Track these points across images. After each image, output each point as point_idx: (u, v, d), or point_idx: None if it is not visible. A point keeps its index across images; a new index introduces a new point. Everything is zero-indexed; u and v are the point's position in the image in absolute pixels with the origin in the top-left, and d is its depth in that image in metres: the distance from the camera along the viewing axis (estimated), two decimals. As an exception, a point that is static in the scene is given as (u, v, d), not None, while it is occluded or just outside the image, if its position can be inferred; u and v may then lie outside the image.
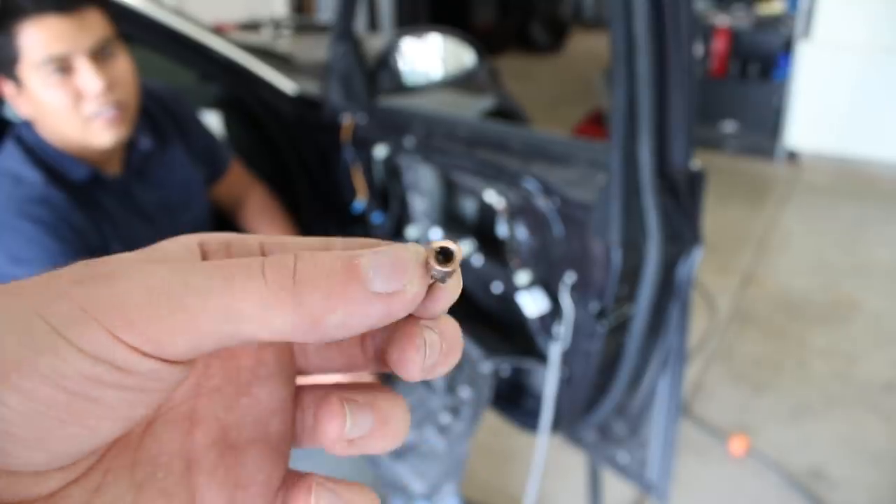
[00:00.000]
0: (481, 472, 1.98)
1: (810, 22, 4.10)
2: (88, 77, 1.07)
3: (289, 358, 0.27)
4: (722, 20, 4.50)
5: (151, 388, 0.21)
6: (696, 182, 1.10)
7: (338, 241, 0.26)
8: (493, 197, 1.26)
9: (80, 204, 1.15)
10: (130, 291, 0.20)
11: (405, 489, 1.33)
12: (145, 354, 0.20)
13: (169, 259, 0.23)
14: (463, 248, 1.35)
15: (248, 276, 0.21)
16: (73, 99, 1.08)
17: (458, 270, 0.24)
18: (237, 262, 0.22)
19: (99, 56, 1.09)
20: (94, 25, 1.08)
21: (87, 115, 1.10)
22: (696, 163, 1.09)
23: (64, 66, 1.07)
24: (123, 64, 1.14)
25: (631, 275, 1.12)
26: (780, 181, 4.20)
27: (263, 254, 0.26)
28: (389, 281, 0.22)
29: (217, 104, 1.71)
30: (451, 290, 0.24)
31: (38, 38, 1.05)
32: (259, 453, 0.26)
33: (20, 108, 1.13)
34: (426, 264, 0.23)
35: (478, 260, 1.35)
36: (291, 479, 0.26)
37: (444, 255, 0.23)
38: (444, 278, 0.23)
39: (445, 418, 1.30)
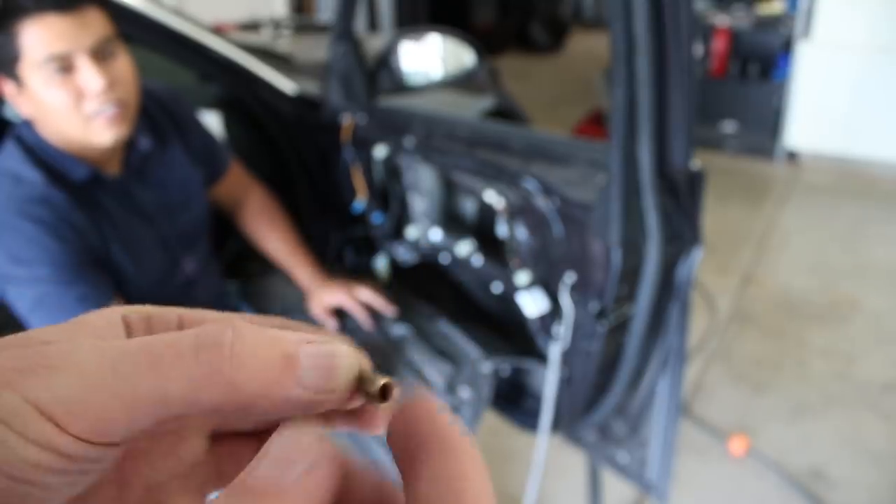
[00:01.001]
0: (481, 472, 1.98)
1: (810, 22, 4.10)
2: (89, 76, 1.07)
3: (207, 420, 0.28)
4: (722, 20, 4.50)
5: (92, 469, 0.22)
6: (696, 182, 1.10)
7: (261, 320, 0.27)
8: (493, 197, 1.26)
9: (80, 204, 1.15)
10: (69, 384, 0.21)
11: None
12: (88, 442, 0.21)
13: (97, 335, 0.24)
14: (466, 247, 1.35)
15: (177, 357, 0.21)
16: (74, 98, 1.08)
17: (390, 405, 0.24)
18: (164, 342, 0.22)
19: (99, 55, 1.09)
20: (95, 24, 1.09)
21: (87, 113, 1.10)
22: (696, 163, 1.09)
23: (65, 65, 1.07)
24: (124, 63, 1.14)
25: (631, 275, 1.12)
26: (779, 181, 4.20)
27: (181, 328, 0.26)
28: (321, 382, 0.22)
29: (217, 104, 1.71)
30: (381, 415, 0.25)
31: (39, 37, 1.05)
32: (184, 498, 0.27)
33: (21, 107, 1.13)
34: (360, 377, 0.24)
35: (478, 260, 1.35)
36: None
37: (382, 393, 0.24)
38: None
39: (445, 418, 1.30)
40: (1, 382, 0.21)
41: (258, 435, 0.28)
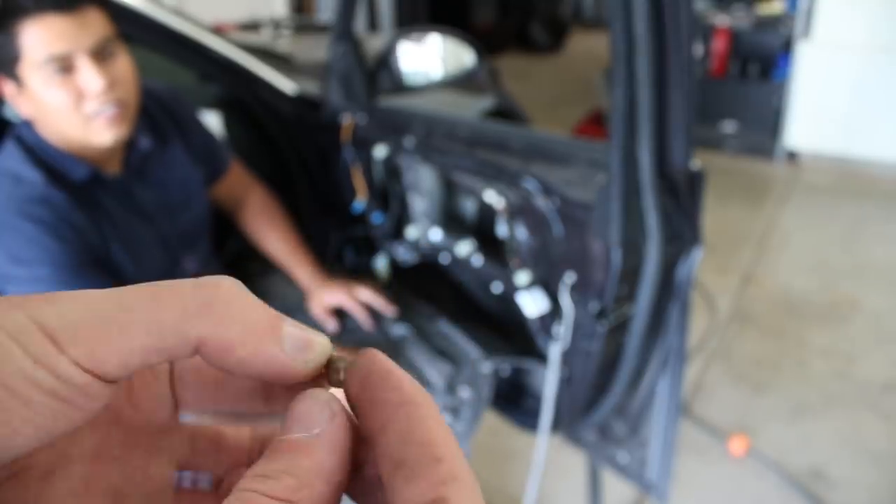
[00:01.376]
0: (481, 472, 1.98)
1: (810, 22, 4.10)
2: (90, 76, 1.07)
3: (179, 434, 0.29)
4: (722, 20, 4.50)
5: (78, 404, 0.23)
6: (695, 182, 1.10)
7: None
8: (493, 197, 1.26)
9: (80, 204, 1.15)
10: (74, 310, 0.22)
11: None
12: (83, 368, 0.22)
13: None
14: (466, 247, 1.35)
15: (176, 291, 0.23)
16: (75, 98, 1.08)
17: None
18: (170, 283, 0.24)
19: (100, 55, 1.09)
20: (95, 24, 1.09)
21: (88, 113, 1.10)
22: (696, 163, 1.09)
23: (65, 66, 1.07)
24: (124, 63, 1.14)
25: (631, 275, 1.12)
26: (779, 181, 4.21)
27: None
28: (297, 352, 0.24)
29: (217, 104, 1.71)
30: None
31: (39, 37, 1.05)
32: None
33: (21, 107, 1.13)
34: (330, 362, 0.26)
35: (478, 260, 1.35)
36: None
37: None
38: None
39: (446, 419, 1.30)
40: (12, 305, 0.22)
41: (217, 496, 0.28)
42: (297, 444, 0.23)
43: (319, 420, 0.23)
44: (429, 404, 0.23)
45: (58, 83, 1.07)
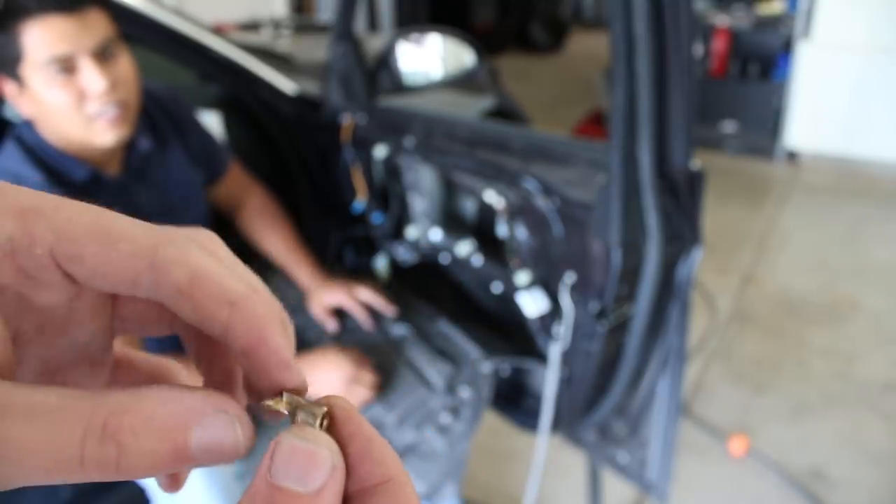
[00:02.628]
0: (481, 473, 1.98)
1: (810, 22, 4.10)
2: (92, 77, 1.07)
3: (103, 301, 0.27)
4: (722, 20, 4.50)
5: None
6: (696, 182, 1.10)
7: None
8: (493, 197, 1.26)
9: (80, 204, 1.15)
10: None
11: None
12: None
13: None
14: (466, 247, 1.35)
15: (68, 476, 0.21)
16: (76, 98, 1.08)
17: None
18: (53, 456, 0.20)
19: (101, 56, 1.09)
20: (97, 25, 1.09)
21: (89, 114, 1.10)
22: (696, 163, 1.09)
23: (67, 66, 1.07)
24: (125, 64, 1.14)
25: (631, 275, 1.12)
26: (779, 181, 4.21)
27: (60, 268, 0.24)
28: (210, 456, 0.22)
29: (217, 104, 1.71)
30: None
31: (41, 38, 1.05)
32: (81, 370, 0.27)
33: (21, 107, 1.13)
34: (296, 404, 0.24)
35: (478, 260, 1.35)
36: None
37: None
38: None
39: (445, 419, 1.30)
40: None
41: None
42: (298, 500, 0.21)
43: (321, 473, 0.21)
44: (408, 482, 0.23)
45: (59, 84, 1.07)
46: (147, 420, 0.21)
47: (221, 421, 0.22)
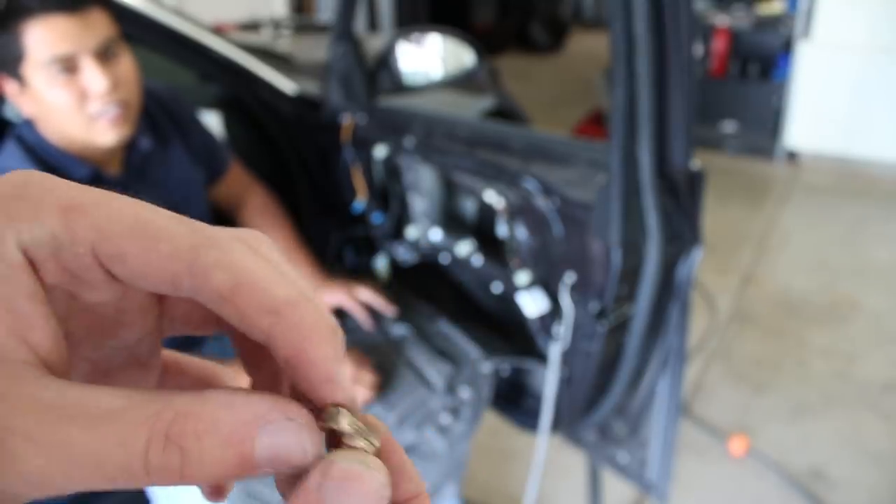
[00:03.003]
0: (481, 473, 1.98)
1: (810, 22, 4.10)
2: (94, 76, 1.07)
3: (152, 302, 0.26)
4: (722, 20, 4.50)
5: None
6: (696, 182, 1.10)
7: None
8: (493, 197, 1.26)
9: (81, 204, 1.15)
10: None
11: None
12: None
13: (5, 300, 0.21)
14: (466, 247, 1.35)
15: (131, 482, 0.20)
16: (78, 98, 1.08)
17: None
18: (117, 462, 0.19)
19: (103, 56, 1.09)
20: (99, 25, 1.09)
21: (91, 114, 1.10)
22: (696, 163, 1.09)
23: (69, 66, 1.07)
24: (127, 64, 1.14)
25: (631, 275, 1.12)
26: (779, 181, 4.21)
27: (104, 267, 0.23)
28: (276, 464, 0.21)
29: (217, 104, 1.71)
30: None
31: (43, 37, 1.05)
32: (130, 373, 0.26)
33: (22, 106, 1.13)
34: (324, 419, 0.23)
35: (478, 260, 1.35)
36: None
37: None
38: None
39: (445, 419, 1.30)
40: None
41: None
42: None
43: (375, 501, 0.21)
44: (428, 495, 0.23)
45: (61, 83, 1.07)
46: (212, 425, 0.20)
47: (289, 428, 0.21)
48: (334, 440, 0.23)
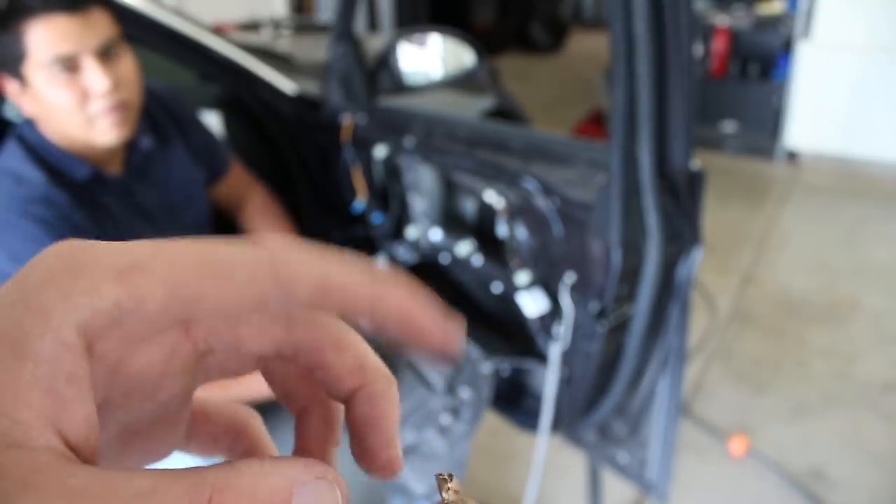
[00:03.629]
0: (481, 473, 1.98)
1: (810, 22, 4.10)
2: (95, 76, 1.08)
3: (190, 360, 0.26)
4: (722, 20, 4.50)
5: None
6: (695, 182, 1.10)
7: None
8: (493, 197, 1.26)
9: (82, 203, 1.15)
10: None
11: (405, 490, 1.34)
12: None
13: (46, 380, 0.20)
14: (466, 247, 1.35)
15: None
16: (79, 98, 1.08)
17: None
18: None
19: (105, 55, 1.10)
20: (101, 25, 1.09)
21: (92, 114, 1.10)
22: (696, 163, 1.09)
23: (70, 66, 1.07)
24: (128, 64, 1.14)
25: (631, 275, 1.12)
26: (779, 181, 4.21)
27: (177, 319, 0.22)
28: None
29: (217, 104, 1.71)
30: None
31: (45, 37, 1.05)
32: (160, 429, 0.26)
33: (23, 106, 1.13)
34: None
35: (478, 260, 1.35)
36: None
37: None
38: None
39: (446, 419, 1.30)
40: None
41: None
42: None
43: None
44: None
45: (63, 83, 1.07)
46: (250, 495, 0.20)
47: (322, 488, 0.21)
48: None
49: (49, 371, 0.20)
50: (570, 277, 1.20)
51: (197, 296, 0.21)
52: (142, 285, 0.21)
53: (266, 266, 0.22)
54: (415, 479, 1.34)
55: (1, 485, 0.18)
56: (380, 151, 1.44)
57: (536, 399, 1.42)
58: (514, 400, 1.50)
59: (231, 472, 0.20)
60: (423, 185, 1.40)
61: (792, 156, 4.42)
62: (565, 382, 1.30)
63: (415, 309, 0.24)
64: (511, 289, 1.31)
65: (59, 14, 1.05)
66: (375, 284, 0.23)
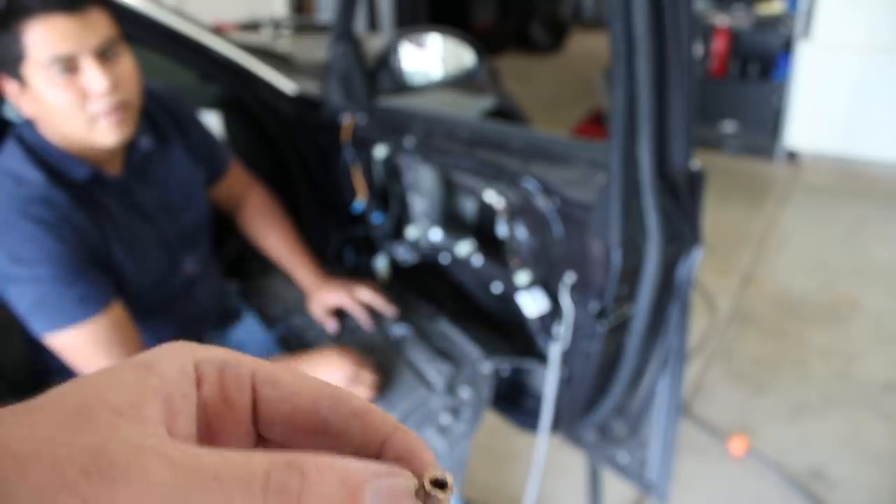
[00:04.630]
0: (481, 473, 1.98)
1: (810, 22, 4.10)
2: (94, 77, 1.07)
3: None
4: (722, 20, 4.50)
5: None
6: (695, 182, 1.10)
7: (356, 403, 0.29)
8: (493, 197, 1.26)
9: (81, 204, 1.15)
10: (136, 500, 0.21)
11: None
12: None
13: (167, 384, 0.25)
14: (466, 247, 1.35)
15: (253, 493, 0.22)
16: (79, 98, 1.08)
17: (450, 498, 0.26)
18: (235, 474, 0.22)
19: (104, 56, 1.09)
20: (100, 25, 1.09)
21: (91, 114, 1.10)
22: (696, 163, 1.09)
23: (70, 66, 1.07)
24: (127, 64, 1.14)
25: (631, 275, 1.12)
26: (779, 181, 4.21)
27: (255, 390, 0.27)
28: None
29: (217, 104, 1.71)
30: None
31: (44, 37, 1.05)
32: None
33: (23, 106, 1.13)
34: (421, 492, 0.25)
35: (478, 260, 1.35)
36: None
37: (439, 485, 0.26)
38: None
39: (446, 419, 1.30)
40: (64, 483, 0.20)
41: None
42: None
43: None
44: None
45: (62, 83, 1.07)
46: (331, 463, 0.23)
47: (398, 482, 0.24)
48: None
49: (168, 387, 0.25)
50: (570, 277, 1.20)
51: (275, 378, 0.28)
52: (241, 356, 0.28)
53: (325, 385, 0.28)
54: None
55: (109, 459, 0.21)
56: (380, 151, 1.44)
57: (536, 399, 1.42)
58: (514, 400, 1.50)
59: (310, 453, 0.24)
60: (423, 185, 1.40)
61: (792, 156, 4.42)
62: (565, 382, 1.30)
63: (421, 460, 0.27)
64: (511, 289, 1.31)
65: (57, 14, 1.05)
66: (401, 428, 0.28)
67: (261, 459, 0.22)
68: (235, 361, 0.27)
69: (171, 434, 0.23)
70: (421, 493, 0.25)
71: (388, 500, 0.23)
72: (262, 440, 0.28)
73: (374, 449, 0.27)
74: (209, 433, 0.27)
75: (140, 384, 0.24)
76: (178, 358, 0.26)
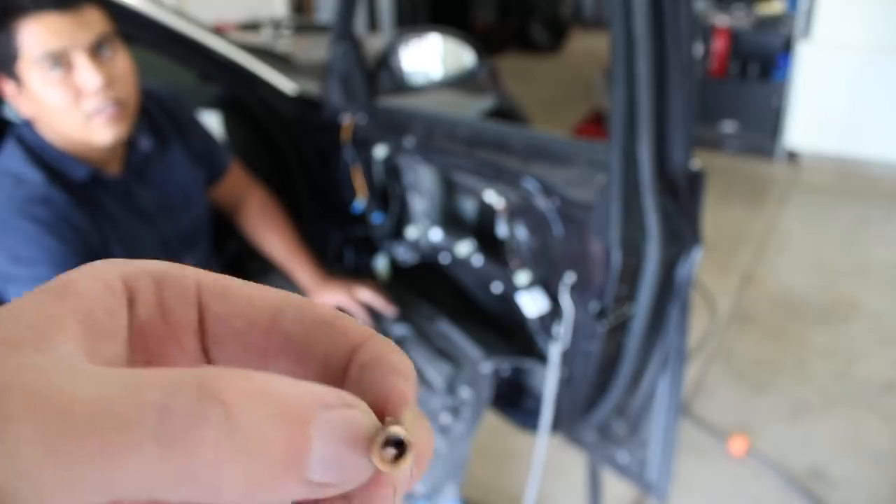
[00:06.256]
0: (481, 473, 1.98)
1: (810, 22, 4.10)
2: (87, 73, 1.07)
3: None
4: (722, 20, 4.50)
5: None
6: (695, 182, 1.10)
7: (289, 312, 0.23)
8: (493, 197, 1.26)
9: (81, 204, 1.15)
10: (12, 454, 0.16)
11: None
12: None
13: (88, 309, 0.20)
14: (466, 247, 1.35)
15: (140, 438, 0.16)
16: (73, 96, 1.08)
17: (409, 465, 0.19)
18: (116, 416, 0.16)
19: (97, 53, 1.09)
20: (93, 22, 1.09)
21: (87, 112, 1.10)
22: (696, 163, 1.09)
23: (62, 62, 1.07)
24: (122, 61, 1.14)
25: (631, 275, 1.12)
26: (779, 181, 4.20)
27: (201, 305, 0.23)
28: (331, 477, 0.18)
29: (217, 104, 1.71)
30: (399, 485, 0.20)
31: (36, 34, 1.05)
32: None
33: (21, 107, 1.13)
34: (377, 450, 0.19)
35: (478, 260, 1.35)
36: None
37: (393, 443, 0.19)
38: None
39: (446, 419, 1.30)
40: None
41: None
42: None
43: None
44: None
45: (56, 81, 1.07)
46: (263, 390, 0.17)
47: (351, 417, 0.18)
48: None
49: (88, 305, 0.21)
50: (570, 277, 1.20)
51: (224, 292, 0.23)
52: (187, 269, 0.23)
53: (283, 294, 0.24)
54: (415, 479, 1.33)
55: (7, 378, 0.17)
56: (380, 151, 1.44)
57: (536, 399, 1.42)
58: (514, 400, 1.50)
59: (241, 371, 0.18)
60: (423, 185, 1.40)
61: (792, 156, 4.42)
62: (565, 382, 1.30)
63: (399, 377, 0.22)
64: (511, 289, 1.31)
65: (50, 12, 1.05)
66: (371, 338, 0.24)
67: (159, 384, 0.17)
68: (178, 273, 0.23)
69: (92, 359, 0.20)
70: (381, 435, 0.19)
71: (340, 443, 0.18)
72: (212, 364, 0.24)
73: (341, 361, 0.22)
74: (146, 357, 0.23)
75: (52, 308, 0.20)
76: (102, 273, 0.22)
